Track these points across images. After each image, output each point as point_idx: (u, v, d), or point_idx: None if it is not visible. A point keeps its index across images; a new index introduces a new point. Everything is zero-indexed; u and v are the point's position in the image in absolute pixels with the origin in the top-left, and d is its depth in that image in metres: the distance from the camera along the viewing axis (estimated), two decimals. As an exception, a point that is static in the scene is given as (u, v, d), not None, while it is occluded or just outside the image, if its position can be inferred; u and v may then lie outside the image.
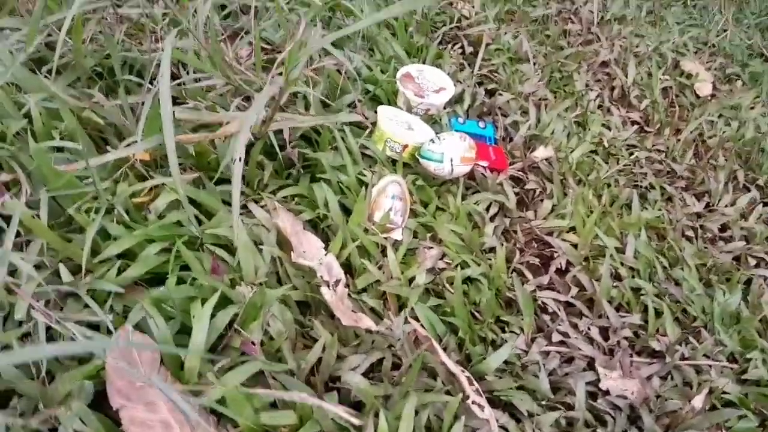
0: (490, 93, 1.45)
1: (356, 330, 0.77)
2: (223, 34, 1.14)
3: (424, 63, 1.39)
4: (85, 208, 0.73)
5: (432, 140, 1.05)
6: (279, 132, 0.96)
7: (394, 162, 1.07)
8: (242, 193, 0.87)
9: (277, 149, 0.93)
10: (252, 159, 0.87)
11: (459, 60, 1.47)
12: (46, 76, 0.85)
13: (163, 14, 1.03)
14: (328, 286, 0.77)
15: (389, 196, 0.92)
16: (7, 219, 0.66)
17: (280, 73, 0.83)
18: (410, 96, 1.16)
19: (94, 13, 0.96)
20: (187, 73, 0.99)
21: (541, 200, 1.14)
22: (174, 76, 0.96)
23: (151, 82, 0.87)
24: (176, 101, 0.91)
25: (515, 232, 1.06)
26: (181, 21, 0.86)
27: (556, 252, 1.03)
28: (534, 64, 1.53)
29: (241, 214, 0.83)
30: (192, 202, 0.79)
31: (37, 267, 0.67)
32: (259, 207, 0.84)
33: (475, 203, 1.05)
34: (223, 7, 1.24)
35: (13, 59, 0.79)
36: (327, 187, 0.89)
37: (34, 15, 0.75)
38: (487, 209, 1.07)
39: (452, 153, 1.02)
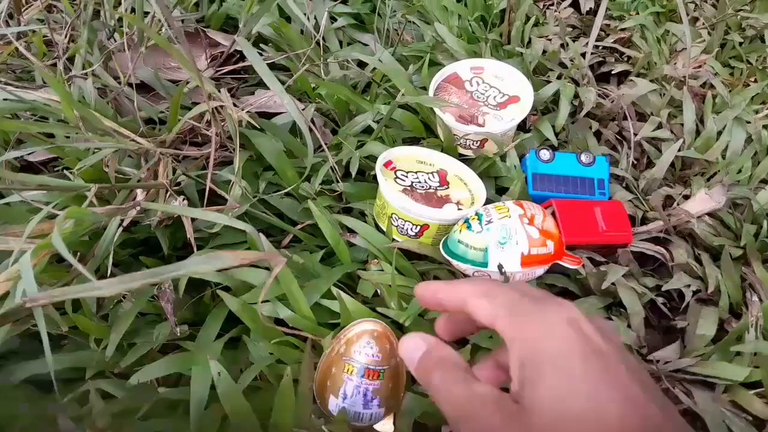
0: (620, 78, 0.90)
1: None
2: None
3: (500, 47, 0.86)
4: None
5: (467, 221, 0.57)
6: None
7: (414, 257, 0.61)
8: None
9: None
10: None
11: (564, 28, 0.91)
12: None
13: None
14: None
15: (355, 369, 0.47)
16: None
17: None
18: (450, 122, 0.67)
19: None
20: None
21: (699, 305, 0.61)
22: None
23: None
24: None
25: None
26: None
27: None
28: (695, 19, 0.93)
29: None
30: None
31: None
32: (83, 429, 0.44)
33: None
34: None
35: None
36: (217, 365, 0.46)
37: None
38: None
39: (504, 251, 0.54)
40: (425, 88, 0.74)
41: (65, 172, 0.59)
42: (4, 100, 0.54)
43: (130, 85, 0.65)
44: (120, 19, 0.75)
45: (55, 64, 0.69)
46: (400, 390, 0.49)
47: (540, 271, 0.56)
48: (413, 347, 0.36)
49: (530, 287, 0.39)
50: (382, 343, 0.48)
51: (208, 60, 0.79)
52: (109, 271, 0.51)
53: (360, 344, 0.48)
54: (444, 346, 0.36)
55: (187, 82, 0.69)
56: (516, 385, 0.30)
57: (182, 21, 0.83)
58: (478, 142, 0.68)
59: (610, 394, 0.27)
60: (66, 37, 0.71)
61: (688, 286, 0.61)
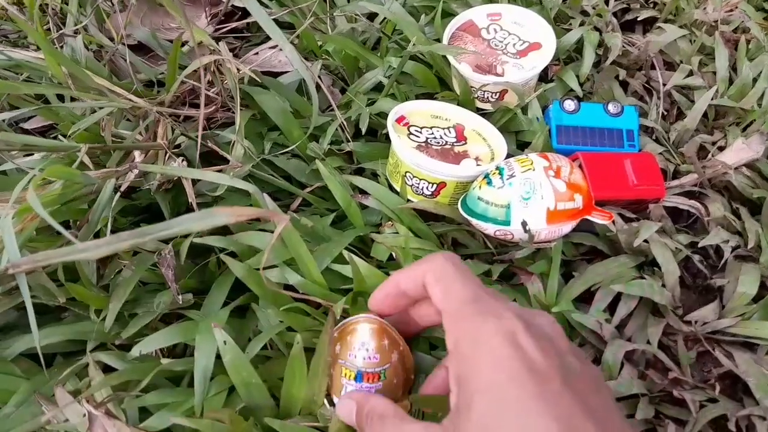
0: (645, 26, 0.84)
1: None
2: None
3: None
4: None
5: (487, 176, 0.53)
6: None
7: (431, 218, 0.57)
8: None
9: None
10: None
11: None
12: None
13: None
14: None
15: (353, 373, 0.43)
16: None
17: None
18: (466, 72, 0.63)
19: None
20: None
21: (738, 262, 0.56)
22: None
23: None
24: None
25: (673, 347, 0.52)
26: None
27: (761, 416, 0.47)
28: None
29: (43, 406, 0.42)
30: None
31: None
32: (80, 402, 0.42)
33: (581, 297, 0.53)
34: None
35: None
36: (222, 333, 0.43)
37: None
38: (611, 308, 0.53)
39: (528, 207, 0.50)
40: (439, 41, 0.69)
41: (60, 138, 0.56)
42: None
43: (126, 46, 0.62)
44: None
45: (49, 29, 0.66)
46: (408, 374, 0.45)
47: (567, 227, 0.52)
48: (347, 410, 0.38)
49: (482, 286, 0.36)
50: (379, 339, 0.43)
51: (209, 18, 0.75)
52: (107, 239, 0.48)
53: (355, 347, 0.43)
54: (369, 398, 0.38)
55: (186, 42, 0.65)
56: (453, 402, 0.31)
57: (180, -21, 0.79)
58: (497, 94, 0.64)
59: (539, 411, 0.27)
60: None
61: (727, 241, 0.57)
